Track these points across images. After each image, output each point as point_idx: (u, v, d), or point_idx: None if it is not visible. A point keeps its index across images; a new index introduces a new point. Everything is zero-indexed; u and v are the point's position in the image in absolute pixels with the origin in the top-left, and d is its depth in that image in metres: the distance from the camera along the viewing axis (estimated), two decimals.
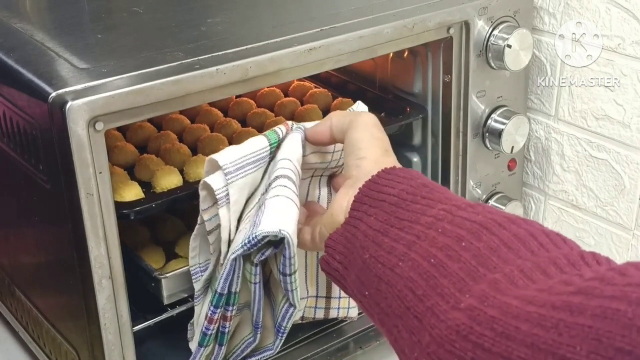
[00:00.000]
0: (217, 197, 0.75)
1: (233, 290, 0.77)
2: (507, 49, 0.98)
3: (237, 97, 1.12)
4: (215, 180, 0.75)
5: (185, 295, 0.88)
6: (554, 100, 1.11)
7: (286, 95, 1.15)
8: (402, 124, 1.04)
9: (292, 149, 0.77)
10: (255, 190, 0.79)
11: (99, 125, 0.71)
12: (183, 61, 0.77)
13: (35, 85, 0.74)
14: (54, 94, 0.70)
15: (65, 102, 0.69)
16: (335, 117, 0.76)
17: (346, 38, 0.85)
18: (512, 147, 1.04)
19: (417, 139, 1.07)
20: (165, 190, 0.88)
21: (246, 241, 0.72)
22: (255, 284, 0.77)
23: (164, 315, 0.91)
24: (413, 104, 1.06)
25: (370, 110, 1.02)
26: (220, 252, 0.79)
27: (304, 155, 0.78)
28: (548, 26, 1.08)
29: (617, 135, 1.04)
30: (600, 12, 1.01)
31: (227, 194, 0.76)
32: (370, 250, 0.61)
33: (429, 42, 0.96)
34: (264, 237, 0.71)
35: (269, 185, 0.75)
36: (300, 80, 1.18)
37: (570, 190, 1.12)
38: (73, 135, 0.70)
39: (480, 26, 0.97)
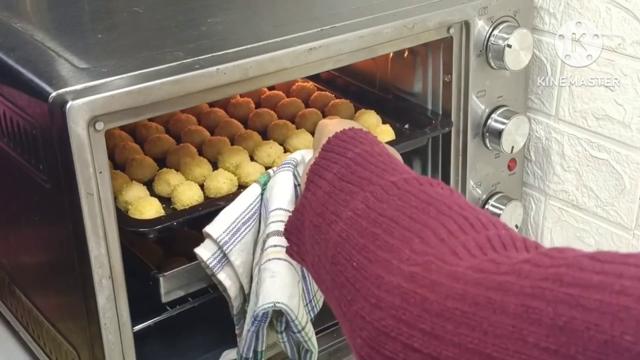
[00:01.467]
0: (210, 266, 0.78)
1: (259, 349, 0.80)
2: (507, 48, 0.97)
3: (257, 107, 1.10)
4: (203, 251, 0.78)
5: (184, 294, 0.87)
6: (554, 100, 1.11)
7: (307, 105, 1.12)
8: (429, 137, 1.03)
9: (284, 193, 0.76)
10: (260, 232, 0.80)
11: (99, 125, 0.71)
12: (183, 61, 0.77)
13: (36, 85, 0.74)
14: (54, 94, 0.70)
15: (66, 102, 0.69)
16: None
17: (346, 38, 0.85)
18: (512, 147, 1.04)
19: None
20: (187, 206, 0.85)
21: (253, 319, 0.75)
22: (283, 342, 0.80)
23: (164, 315, 0.91)
24: (437, 115, 1.04)
25: (394, 121, 1.03)
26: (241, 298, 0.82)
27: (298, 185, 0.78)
28: (548, 26, 1.08)
29: (617, 135, 1.04)
30: (600, 12, 1.01)
31: (223, 259, 0.78)
32: (317, 211, 0.62)
33: (429, 42, 0.96)
34: (265, 312, 0.74)
35: (264, 243, 0.76)
36: (320, 89, 1.16)
37: (571, 190, 1.12)
38: (73, 135, 0.70)
39: (481, 26, 0.97)
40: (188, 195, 0.86)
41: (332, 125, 0.70)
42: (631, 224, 1.06)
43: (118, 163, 0.96)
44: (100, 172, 0.73)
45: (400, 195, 0.56)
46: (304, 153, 0.79)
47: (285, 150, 0.99)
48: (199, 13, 0.96)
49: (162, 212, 0.83)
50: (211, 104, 1.10)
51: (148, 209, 0.83)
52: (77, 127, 0.70)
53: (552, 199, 1.15)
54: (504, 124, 1.02)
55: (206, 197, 0.88)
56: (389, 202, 0.56)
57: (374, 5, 0.94)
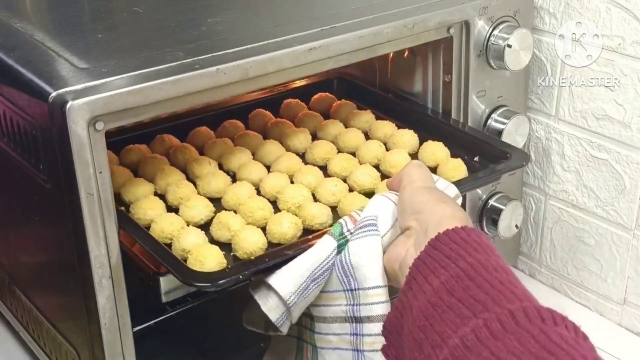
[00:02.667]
0: (277, 325, 0.74)
1: None
2: (507, 48, 0.97)
3: (313, 138, 1.03)
4: (272, 313, 0.73)
5: (184, 294, 0.87)
6: (554, 100, 1.11)
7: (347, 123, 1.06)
8: (504, 173, 0.96)
9: (377, 264, 0.71)
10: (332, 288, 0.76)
11: (99, 125, 0.71)
12: (183, 61, 0.77)
13: (36, 85, 0.74)
14: (54, 94, 0.70)
15: (66, 102, 0.69)
16: (398, 174, 0.75)
17: (346, 38, 0.85)
18: None
19: None
20: (250, 255, 0.78)
21: None
22: None
23: (164, 315, 0.91)
24: (511, 147, 0.97)
25: (460, 151, 0.96)
26: None
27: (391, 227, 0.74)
28: (548, 26, 1.07)
29: (617, 135, 1.04)
30: (600, 12, 1.01)
31: (287, 315, 0.74)
32: (419, 322, 0.56)
33: (429, 42, 0.96)
34: None
35: (360, 323, 0.72)
36: (362, 108, 1.09)
37: (571, 190, 1.12)
38: (73, 135, 0.70)
39: (481, 26, 0.97)
40: (251, 242, 0.78)
41: (422, 188, 0.68)
42: (631, 224, 1.06)
43: (159, 190, 0.91)
44: (100, 172, 0.73)
45: (518, 335, 0.49)
46: (383, 206, 0.74)
47: (326, 175, 0.94)
48: (199, 13, 0.96)
49: (223, 262, 0.76)
50: (226, 116, 1.07)
51: (209, 259, 0.75)
52: (77, 127, 0.70)
53: (552, 199, 1.15)
54: (504, 124, 1.02)
55: (269, 242, 0.80)
56: (504, 340, 0.49)
57: (374, 5, 0.94)
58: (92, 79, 0.73)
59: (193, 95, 0.77)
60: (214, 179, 0.90)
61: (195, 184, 0.91)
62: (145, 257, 0.90)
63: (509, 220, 1.07)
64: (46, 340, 0.93)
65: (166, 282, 0.85)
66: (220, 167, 0.96)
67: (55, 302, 0.89)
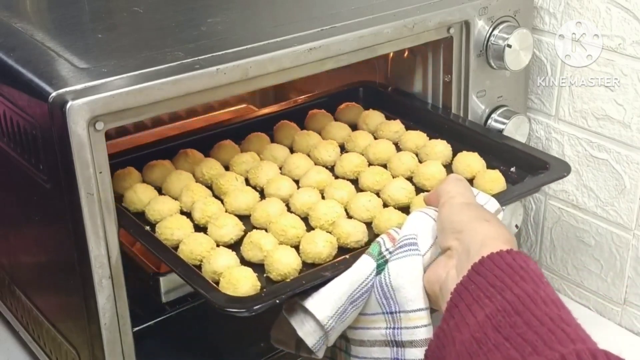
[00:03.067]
0: (314, 350, 0.71)
1: None
2: (507, 48, 0.97)
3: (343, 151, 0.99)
4: (310, 339, 0.70)
5: (184, 294, 0.87)
6: (554, 100, 1.11)
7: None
8: (545, 184, 0.91)
9: (419, 286, 0.68)
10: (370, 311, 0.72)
11: (99, 125, 0.71)
12: (183, 61, 0.77)
13: (36, 85, 0.74)
14: (54, 94, 0.70)
15: (66, 102, 0.69)
16: (436, 189, 0.73)
17: (346, 38, 0.85)
18: None
19: None
20: (284, 277, 0.74)
21: None
22: None
23: (164, 315, 0.91)
24: (550, 156, 0.93)
25: (494, 162, 0.91)
26: None
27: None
28: (548, 26, 1.07)
29: (617, 135, 1.04)
30: (600, 12, 1.01)
31: (324, 339, 0.71)
32: (462, 359, 0.54)
33: (429, 42, 0.96)
34: None
35: (401, 347, 0.69)
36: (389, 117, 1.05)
37: (571, 190, 1.12)
38: (73, 135, 0.70)
39: (481, 26, 0.97)
40: (285, 263, 0.74)
41: (462, 205, 0.64)
42: (631, 224, 1.06)
43: (185, 208, 0.87)
44: (100, 172, 0.73)
45: None
46: (422, 223, 0.71)
47: (357, 189, 0.90)
48: (199, 13, 0.96)
49: (257, 285, 0.72)
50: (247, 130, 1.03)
51: (243, 282, 0.71)
52: (77, 127, 0.70)
53: (552, 199, 1.15)
54: (504, 124, 1.02)
55: (303, 262, 0.77)
56: None
57: (374, 5, 0.94)
58: (92, 79, 0.73)
59: (193, 95, 0.77)
60: (242, 196, 0.86)
61: (221, 201, 0.87)
62: (146, 258, 0.90)
63: (509, 220, 1.07)
64: (46, 340, 0.93)
65: (166, 282, 0.85)
66: (247, 182, 0.92)
67: (55, 302, 0.89)
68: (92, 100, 0.70)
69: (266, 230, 0.81)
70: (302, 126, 1.05)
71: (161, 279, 0.85)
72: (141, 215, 0.85)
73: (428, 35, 0.94)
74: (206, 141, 1.00)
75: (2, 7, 0.97)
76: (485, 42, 0.98)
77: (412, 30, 0.91)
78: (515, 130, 1.03)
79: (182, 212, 0.86)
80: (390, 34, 0.89)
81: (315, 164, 0.95)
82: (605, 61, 1.03)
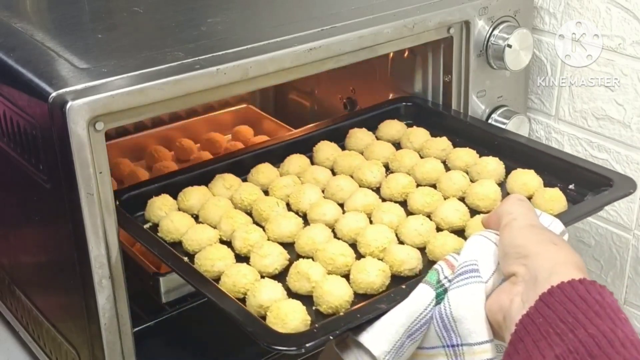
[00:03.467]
0: None
1: None
2: (507, 48, 0.98)
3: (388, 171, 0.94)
4: None
5: (184, 294, 0.87)
6: (554, 100, 1.11)
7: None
8: (610, 203, 0.85)
9: (482, 317, 0.63)
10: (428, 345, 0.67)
11: (99, 125, 0.71)
12: (183, 61, 0.77)
13: (36, 85, 0.74)
14: (54, 94, 0.70)
15: (66, 102, 0.69)
16: (496, 211, 0.67)
17: (346, 38, 0.85)
18: None
19: None
20: (336, 309, 0.69)
21: None
22: None
23: (164, 315, 0.91)
24: (612, 172, 0.88)
25: (551, 179, 0.86)
26: None
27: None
28: (548, 26, 1.07)
29: (617, 135, 1.04)
30: (600, 12, 1.01)
31: None
32: None
33: (429, 42, 0.96)
34: None
35: None
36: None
37: None
38: (73, 135, 0.70)
39: (481, 26, 0.97)
40: (337, 295, 0.69)
41: (526, 227, 0.59)
42: (631, 224, 1.06)
43: (224, 236, 0.81)
44: (100, 172, 0.73)
45: None
46: (483, 248, 0.66)
47: (406, 212, 0.84)
48: (199, 13, 0.96)
49: (307, 319, 0.67)
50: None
51: (292, 317, 0.66)
52: (77, 127, 0.70)
53: None
54: (504, 124, 1.02)
55: (354, 293, 0.72)
56: None
57: (374, 5, 0.94)
58: (92, 79, 0.73)
59: (193, 95, 0.77)
60: (285, 222, 0.81)
61: (262, 228, 0.82)
62: (147, 259, 0.90)
63: None
64: (46, 340, 0.93)
65: (166, 282, 0.85)
66: (288, 207, 0.87)
67: (55, 302, 0.89)
68: (92, 100, 0.70)
69: (312, 259, 0.76)
70: (342, 146, 0.99)
71: (161, 279, 0.85)
72: (178, 245, 0.80)
73: (428, 35, 0.94)
74: (242, 165, 0.94)
75: (2, 7, 0.97)
76: (486, 42, 0.98)
77: (412, 30, 0.91)
78: (516, 130, 1.03)
79: (222, 241, 0.81)
80: (390, 34, 0.89)
81: (360, 186, 0.89)
82: (605, 61, 1.03)
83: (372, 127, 1.02)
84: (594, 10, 1.02)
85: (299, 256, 0.78)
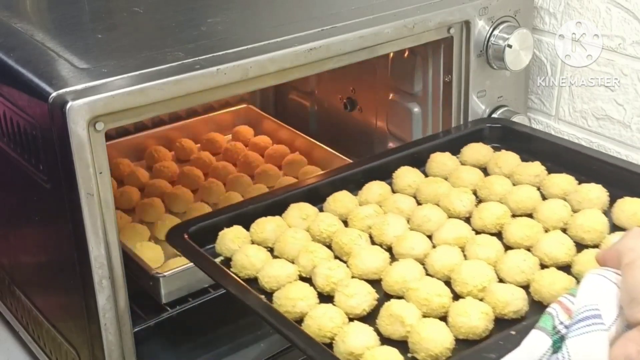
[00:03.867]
0: None
1: None
2: (507, 49, 0.97)
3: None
4: None
5: (184, 294, 0.87)
6: (554, 100, 1.11)
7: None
8: None
9: None
10: None
11: (99, 126, 0.71)
12: (183, 61, 0.77)
13: (36, 85, 0.74)
14: (54, 94, 0.70)
15: (66, 102, 0.69)
16: (614, 246, 0.59)
17: (347, 38, 0.85)
18: None
19: None
20: (438, 358, 0.63)
21: None
22: None
23: (164, 315, 0.91)
24: None
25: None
26: None
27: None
28: (548, 26, 1.08)
29: (617, 135, 1.04)
30: (600, 12, 1.01)
31: None
32: None
33: (430, 42, 0.96)
34: None
35: None
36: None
37: None
38: (73, 135, 0.70)
39: (481, 26, 0.97)
40: (437, 341, 0.63)
41: None
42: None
43: (303, 272, 0.74)
44: (101, 173, 0.73)
45: None
46: (603, 290, 0.58)
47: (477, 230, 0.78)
48: (199, 13, 0.97)
49: None
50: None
51: None
52: (77, 127, 0.70)
53: None
54: None
55: (455, 338, 0.65)
56: None
57: (374, 5, 0.94)
58: (92, 79, 0.73)
59: (193, 95, 0.77)
60: (370, 257, 0.74)
61: (344, 262, 0.75)
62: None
63: None
64: (46, 340, 0.93)
65: (166, 282, 0.85)
66: (371, 239, 0.79)
67: (55, 302, 0.89)
68: (92, 100, 0.70)
69: (402, 298, 0.70)
70: (423, 171, 0.91)
71: (161, 279, 0.85)
72: (253, 281, 0.73)
73: (428, 36, 0.94)
74: (316, 193, 0.87)
75: (2, 7, 0.97)
76: (486, 42, 0.98)
77: (413, 30, 0.91)
78: None
79: (301, 277, 0.74)
80: (390, 34, 0.89)
81: (448, 216, 0.81)
82: (605, 61, 1.03)
83: (454, 150, 0.93)
84: (594, 10, 1.02)
85: (386, 295, 0.72)
